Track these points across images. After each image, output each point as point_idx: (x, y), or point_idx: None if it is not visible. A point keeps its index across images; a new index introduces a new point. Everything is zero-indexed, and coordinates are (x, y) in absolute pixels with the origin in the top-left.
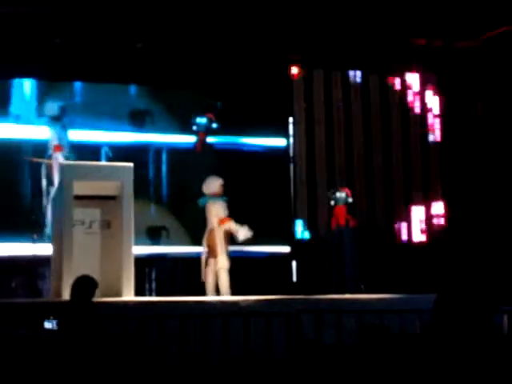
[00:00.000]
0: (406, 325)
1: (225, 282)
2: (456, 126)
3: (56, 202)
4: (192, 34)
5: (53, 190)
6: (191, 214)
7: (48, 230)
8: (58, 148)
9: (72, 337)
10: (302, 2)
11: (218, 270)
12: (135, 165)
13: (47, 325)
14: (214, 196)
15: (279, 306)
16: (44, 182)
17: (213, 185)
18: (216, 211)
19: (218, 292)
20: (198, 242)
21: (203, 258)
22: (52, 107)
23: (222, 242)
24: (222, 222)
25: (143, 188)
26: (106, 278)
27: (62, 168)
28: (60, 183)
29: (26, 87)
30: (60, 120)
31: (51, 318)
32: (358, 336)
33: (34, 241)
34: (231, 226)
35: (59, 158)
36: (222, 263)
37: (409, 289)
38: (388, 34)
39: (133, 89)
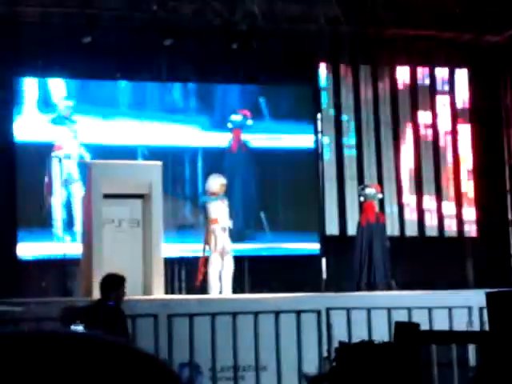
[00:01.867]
0: (435, 321)
1: (228, 281)
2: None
3: (85, 201)
4: (218, 28)
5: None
6: None
7: (76, 228)
8: (59, 148)
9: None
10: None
11: (223, 270)
12: (171, 165)
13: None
14: (214, 195)
15: (309, 303)
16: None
17: (213, 184)
18: (214, 210)
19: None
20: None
21: (202, 258)
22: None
23: (217, 242)
24: (213, 222)
25: (178, 187)
26: (135, 277)
27: (91, 167)
28: (89, 182)
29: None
30: (65, 120)
31: (78, 322)
32: (392, 334)
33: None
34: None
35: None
36: (227, 263)
37: (439, 284)
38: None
39: (168, 86)
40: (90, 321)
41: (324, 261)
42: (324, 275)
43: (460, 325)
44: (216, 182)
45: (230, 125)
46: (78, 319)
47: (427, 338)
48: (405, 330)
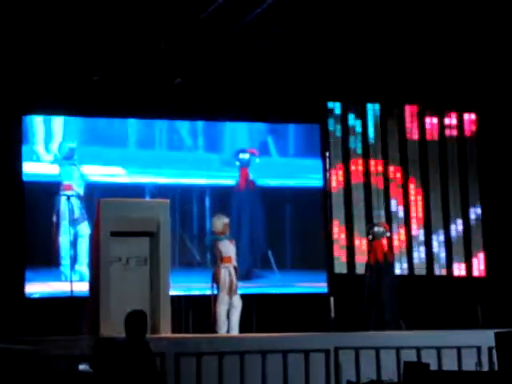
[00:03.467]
0: (444, 361)
1: (236, 321)
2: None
3: (93, 239)
4: (225, 67)
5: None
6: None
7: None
8: (69, 187)
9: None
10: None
11: (231, 309)
12: (179, 203)
13: (81, 367)
14: (222, 234)
15: (317, 343)
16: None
17: (217, 224)
18: (225, 249)
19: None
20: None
21: (212, 296)
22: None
23: (227, 280)
24: (224, 260)
25: (186, 225)
26: None
27: (99, 205)
28: (97, 220)
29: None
30: (70, 159)
31: (84, 361)
32: (401, 374)
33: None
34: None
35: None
36: (235, 302)
37: (448, 324)
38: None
39: (173, 124)
40: (122, 356)
41: (332, 300)
42: (332, 314)
43: (469, 365)
44: (219, 222)
45: (237, 163)
46: (113, 353)
47: (436, 378)
48: (414, 370)
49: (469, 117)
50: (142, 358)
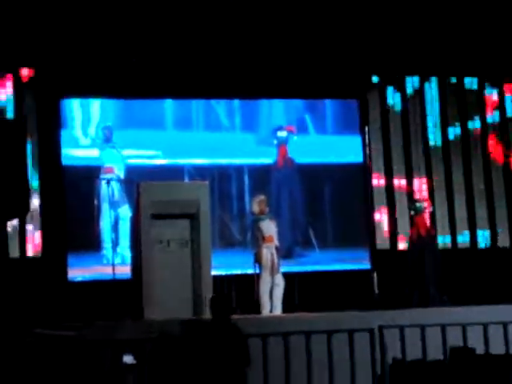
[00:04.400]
0: (489, 339)
1: (279, 299)
2: None
3: (134, 222)
4: (259, 43)
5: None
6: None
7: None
8: (110, 170)
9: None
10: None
11: (274, 288)
12: (218, 183)
13: (126, 359)
14: (263, 214)
15: (361, 321)
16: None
17: (253, 205)
18: (267, 229)
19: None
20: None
21: (255, 276)
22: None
23: (269, 260)
24: (266, 240)
25: (226, 205)
26: (185, 296)
27: (139, 188)
28: (137, 203)
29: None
30: (109, 142)
31: (128, 352)
32: (447, 352)
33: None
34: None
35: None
36: (278, 281)
37: (493, 298)
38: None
39: (210, 103)
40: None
41: (375, 276)
42: (376, 290)
43: None
44: (257, 203)
45: (275, 141)
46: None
47: (483, 362)
48: (460, 355)
49: None
50: (232, 338)
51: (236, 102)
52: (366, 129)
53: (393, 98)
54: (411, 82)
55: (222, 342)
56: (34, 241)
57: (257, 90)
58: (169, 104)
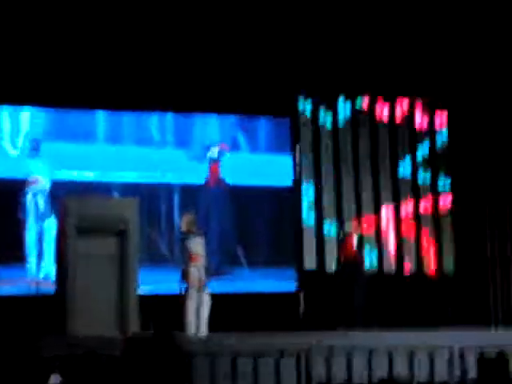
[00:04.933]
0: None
1: (205, 318)
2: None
3: (59, 237)
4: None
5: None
6: None
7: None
8: (36, 181)
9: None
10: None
11: (200, 307)
12: (147, 200)
13: (53, 379)
14: (186, 233)
15: (288, 344)
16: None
17: (182, 223)
18: (194, 247)
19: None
20: None
21: (181, 295)
22: None
23: (196, 278)
24: (193, 258)
25: (154, 222)
26: (110, 313)
27: (66, 202)
28: (63, 217)
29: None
30: (36, 153)
31: (56, 371)
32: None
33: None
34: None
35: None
36: (204, 300)
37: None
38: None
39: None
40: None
41: (302, 296)
42: (301, 311)
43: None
44: (186, 221)
45: (207, 158)
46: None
47: None
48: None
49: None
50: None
51: (169, 116)
52: (297, 147)
53: (324, 118)
54: (343, 102)
55: (157, 361)
56: None
57: (191, 103)
58: (100, 117)
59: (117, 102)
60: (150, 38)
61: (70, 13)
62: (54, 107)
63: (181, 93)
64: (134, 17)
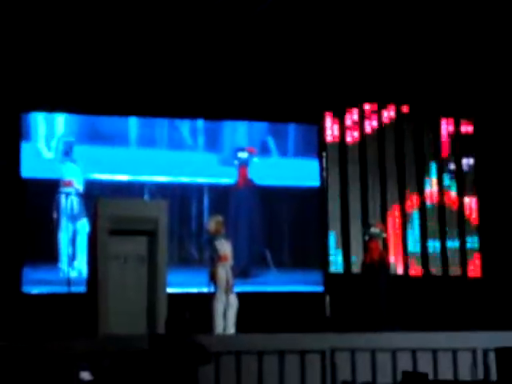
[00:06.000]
0: (439, 364)
1: (233, 319)
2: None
3: (91, 237)
4: (227, 64)
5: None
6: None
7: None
8: (69, 183)
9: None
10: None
11: (227, 307)
12: (178, 201)
13: (83, 375)
14: (214, 234)
15: (313, 343)
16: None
17: (211, 224)
18: (222, 248)
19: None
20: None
21: (209, 295)
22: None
23: (224, 279)
24: (221, 259)
25: (185, 224)
26: (140, 313)
27: (98, 203)
28: (95, 218)
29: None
30: (68, 155)
31: (85, 367)
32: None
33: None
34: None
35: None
36: (231, 301)
37: (442, 325)
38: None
39: (174, 122)
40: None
41: (328, 299)
42: (327, 313)
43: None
44: (213, 222)
45: (236, 161)
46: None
47: None
48: (412, 380)
49: None
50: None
51: (200, 122)
52: (324, 154)
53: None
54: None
55: (179, 361)
56: None
57: (221, 111)
58: (133, 122)
59: (149, 109)
60: (184, 48)
61: (105, 25)
62: (87, 114)
63: (213, 102)
64: (169, 27)
